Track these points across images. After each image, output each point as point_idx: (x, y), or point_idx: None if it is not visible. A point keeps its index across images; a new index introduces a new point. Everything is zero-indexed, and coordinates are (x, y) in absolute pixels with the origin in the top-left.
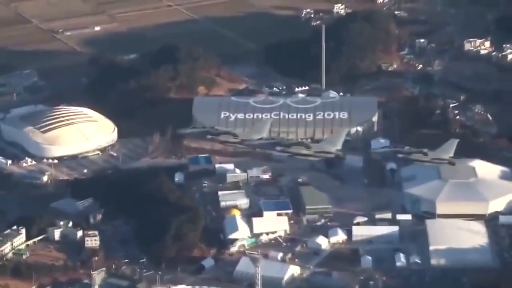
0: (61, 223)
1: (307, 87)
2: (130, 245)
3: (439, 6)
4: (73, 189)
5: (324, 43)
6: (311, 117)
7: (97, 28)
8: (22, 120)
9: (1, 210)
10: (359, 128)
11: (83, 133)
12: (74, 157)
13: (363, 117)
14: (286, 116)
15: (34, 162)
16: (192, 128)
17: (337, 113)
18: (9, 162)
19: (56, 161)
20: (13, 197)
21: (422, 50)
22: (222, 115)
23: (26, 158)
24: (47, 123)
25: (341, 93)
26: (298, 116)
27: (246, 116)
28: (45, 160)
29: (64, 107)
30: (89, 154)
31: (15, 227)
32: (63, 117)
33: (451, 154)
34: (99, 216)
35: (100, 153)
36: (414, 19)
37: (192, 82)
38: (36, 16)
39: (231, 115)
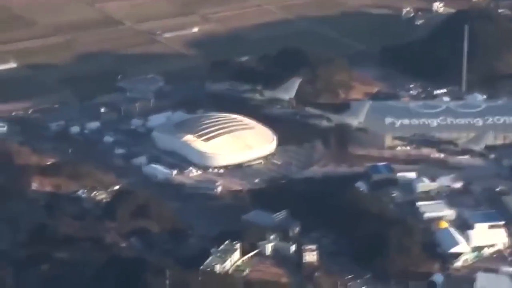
0: (272, 237)
1: (445, 90)
2: (340, 259)
3: None
4: (253, 200)
5: (466, 44)
6: (481, 122)
7: (194, 30)
8: (177, 128)
9: (188, 224)
10: None
11: (244, 141)
12: (238, 166)
13: None
14: (454, 122)
15: (200, 172)
16: (219, 84)
17: (506, 118)
18: (174, 172)
19: (222, 170)
20: (192, 209)
21: None
22: (387, 121)
23: (191, 167)
24: (207, 131)
25: (484, 96)
26: (467, 122)
27: (411, 122)
28: (211, 170)
29: (217, 113)
30: (253, 163)
31: (228, 241)
32: (220, 124)
33: (482, 146)
34: (297, 229)
35: (263, 162)
36: None
37: (332, 86)
38: (126, 18)
39: (395, 120)
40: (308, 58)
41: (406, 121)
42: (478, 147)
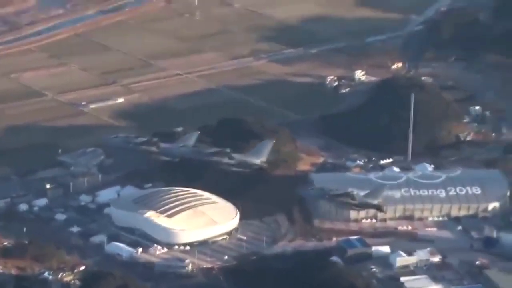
0: None
1: (391, 160)
2: None
3: (456, 71)
4: (227, 278)
5: (412, 113)
6: (444, 193)
7: (120, 100)
8: (137, 203)
9: None
10: (497, 204)
11: (208, 216)
12: (203, 243)
13: (497, 192)
14: (417, 193)
15: (165, 250)
16: (115, 137)
17: (469, 189)
18: (139, 250)
19: (188, 247)
20: None
21: (481, 118)
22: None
23: (155, 245)
24: (169, 206)
25: (432, 166)
26: (430, 192)
27: None
28: (176, 247)
29: (175, 188)
30: (218, 239)
31: None
32: (182, 199)
33: (380, 199)
34: None
35: (228, 237)
36: (442, 85)
37: (281, 158)
38: (46, 88)
39: (359, 192)
40: (251, 129)
41: None
42: (375, 200)
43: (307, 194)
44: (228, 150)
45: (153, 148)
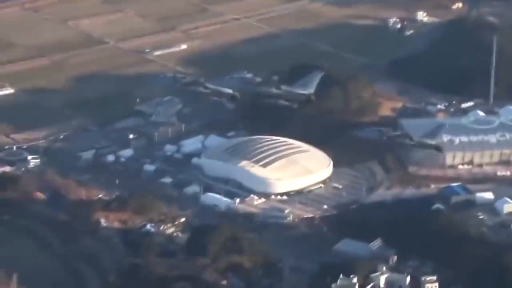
0: (384, 268)
1: (472, 103)
2: None
3: None
4: (330, 228)
5: (494, 55)
6: None
7: (183, 47)
8: (229, 153)
9: (277, 257)
10: None
11: (304, 165)
12: (299, 192)
13: None
14: None
15: (263, 200)
16: (162, 77)
17: None
18: (237, 201)
19: (285, 197)
20: (271, 240)
21: None
22: (445, 138)
23: (252, 195)
24: (262, 155)
25: None
26: None
27: (470, 138)
28: (273, 197)
29: (265, 136)
30: (313, 188)
31: (342, 276)
32: (274, 148)
33: (439, 139)
34: (394, 258)
35: (323, 186)
36: (507, 26)
37: (366, 104)
38: (106, 36)
39: (453, 137)
40: (326, 74)
41: (464, 138)
42: (433, 141)
43: (364, 135)
44: (275, 77)
45: (200, 88)
